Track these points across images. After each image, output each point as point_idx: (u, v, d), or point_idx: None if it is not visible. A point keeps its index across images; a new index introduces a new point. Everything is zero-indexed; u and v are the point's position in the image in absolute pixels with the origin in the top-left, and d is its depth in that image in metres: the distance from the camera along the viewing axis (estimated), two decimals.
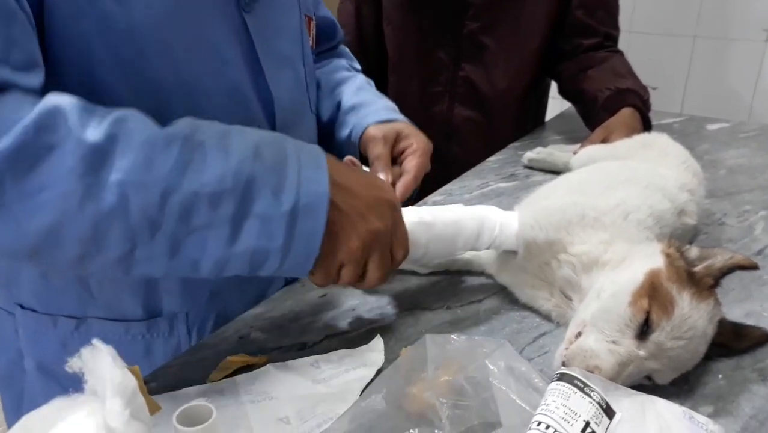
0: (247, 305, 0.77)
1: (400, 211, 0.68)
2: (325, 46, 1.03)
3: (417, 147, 0.85)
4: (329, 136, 0.94)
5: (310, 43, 0.85)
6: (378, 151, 0.84)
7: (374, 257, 0.64)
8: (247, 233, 0.56)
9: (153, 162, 0.52)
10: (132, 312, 0.73)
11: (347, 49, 1.09)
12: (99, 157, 0.51)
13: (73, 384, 0.49)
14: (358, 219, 0.61)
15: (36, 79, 0.55)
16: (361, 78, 1.00)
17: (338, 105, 0.94)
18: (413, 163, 0.83)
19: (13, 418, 0.81)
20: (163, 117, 0.59)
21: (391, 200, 0.66)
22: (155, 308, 0.73)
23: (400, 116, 0.91)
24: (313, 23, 0.86)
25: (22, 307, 0.75)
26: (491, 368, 0.52)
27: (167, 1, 0.61)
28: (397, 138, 0.86)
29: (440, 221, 0.73)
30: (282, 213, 0.56)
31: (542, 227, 0.75)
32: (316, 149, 0.63)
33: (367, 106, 0.91)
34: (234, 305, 0.77)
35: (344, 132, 0.91)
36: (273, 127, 0.74)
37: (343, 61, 1.03)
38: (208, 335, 0.75)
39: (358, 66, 1.06)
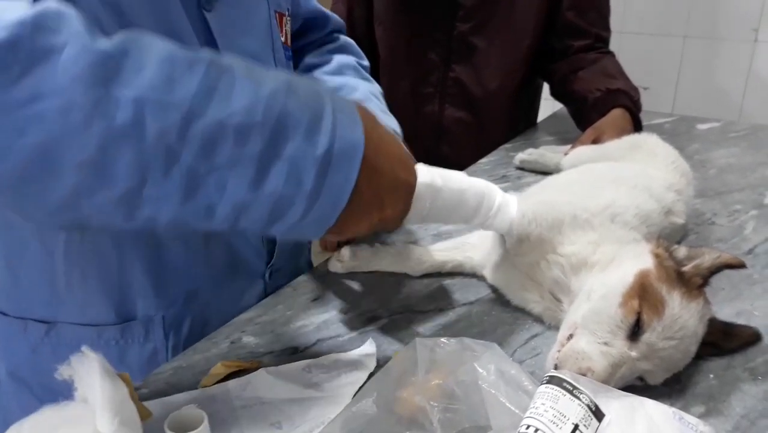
0: (224, 308, 0.76)
1: (413, 196, 0.62)
2: (315, 36, 1.00)
3: None
4: None
5: (283, 39, 0.83)
6: None
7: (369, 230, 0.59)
8: (274, 176, 0.49)
9: (174, 81, 0.45)
10: (104, 316, 0.71)
11: (352, 43, 1.04)
12: (111, 67, 0.43)
13: (45, 393, 0.48)
14: (374, 207, 0.56)
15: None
16: (364, 89, 0.94)
17: None
18: None
19: None
20: None
21: (410, 184, 0.60)
22: (128, 311, 0.72)
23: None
24: (285, 19, 0.84)
25: None
26: (480, 371, 0.52)
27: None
28: None
29: (448, 188, 0.68)
30: (315, 157, 0.49)
31: (539, 223, 0.74)
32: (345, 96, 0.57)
33: None
34: (211, 307, 0.76)
35: None
36: None
37: (350, 60, 0.98)
38: (187, 339, 0.75)
39: (366, 62, 1.03)
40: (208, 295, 0.76)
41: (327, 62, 0.96)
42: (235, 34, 0.71)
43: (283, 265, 0.85)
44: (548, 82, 1.55)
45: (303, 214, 0.51)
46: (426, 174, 0.66)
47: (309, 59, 0.97)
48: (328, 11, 1.01)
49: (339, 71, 0.94)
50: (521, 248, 0.75)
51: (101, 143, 0.43)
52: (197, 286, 0.74)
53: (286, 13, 0.85)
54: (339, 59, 0.96)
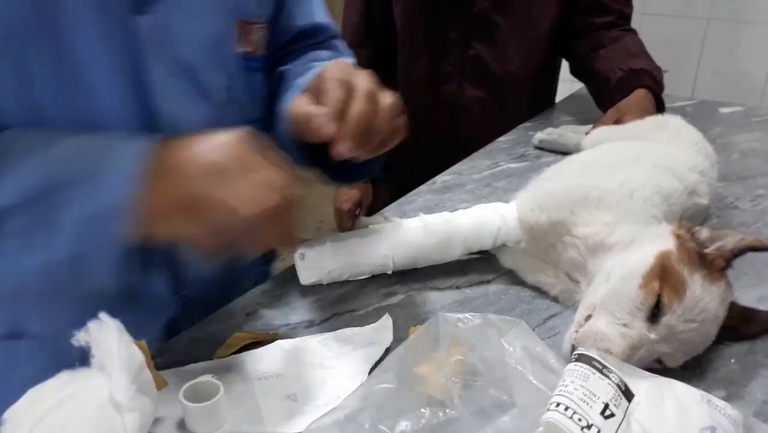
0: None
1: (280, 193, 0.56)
2: (303, 44, 0.90)
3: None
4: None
5: (249, 49, 0.76)
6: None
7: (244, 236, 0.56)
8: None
9: None
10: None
11: (340, 45, 0.94)
12: None
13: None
14: (181, 214, 0.55)
15: None
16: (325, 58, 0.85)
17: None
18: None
19: None
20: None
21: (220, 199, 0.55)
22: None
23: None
24: (254, 28, 0.77)
25: None
26: (507, 347, 0.51)
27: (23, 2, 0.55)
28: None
29: (432, 222, 0.76)
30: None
31: (543, 209, 0.74)
32: (132, 161, 0.55)
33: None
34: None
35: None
36: None
37: (322, 53, 0.89)
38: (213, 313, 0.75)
39: (349, 60, 0.89)
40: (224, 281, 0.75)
41: (297, 57, 0.88)
42: (173, 42, 0.66)
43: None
44: (568, 60, 1.52)
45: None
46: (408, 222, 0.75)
47: (290, 66, 0.87)
48: (324, 22, 0.91)
49: (304, 62, 0.85)
50: (534, 236, 0.75)
51: None
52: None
53: (260, 21, 0.78)
54: (310, 55, 0.88)
